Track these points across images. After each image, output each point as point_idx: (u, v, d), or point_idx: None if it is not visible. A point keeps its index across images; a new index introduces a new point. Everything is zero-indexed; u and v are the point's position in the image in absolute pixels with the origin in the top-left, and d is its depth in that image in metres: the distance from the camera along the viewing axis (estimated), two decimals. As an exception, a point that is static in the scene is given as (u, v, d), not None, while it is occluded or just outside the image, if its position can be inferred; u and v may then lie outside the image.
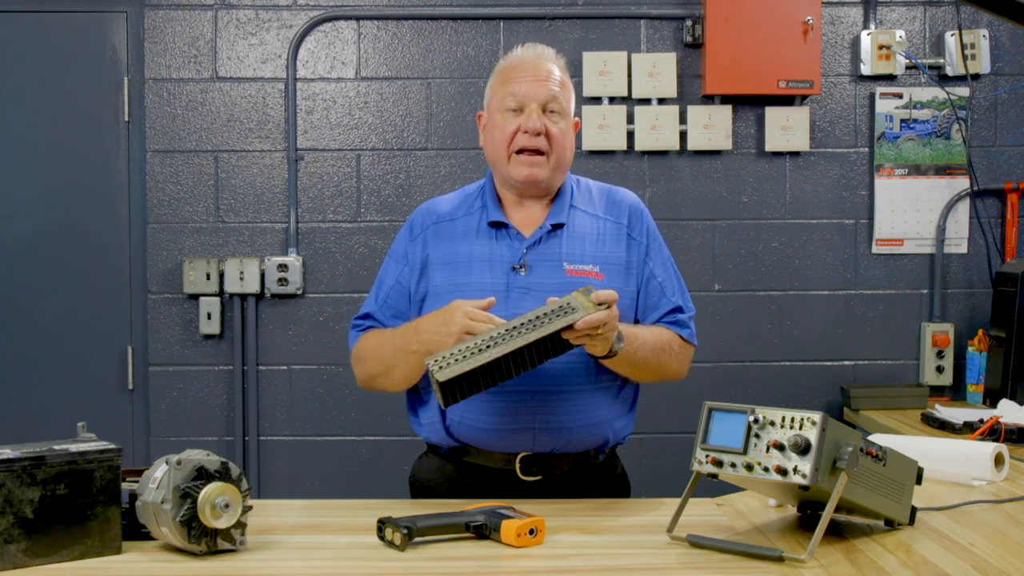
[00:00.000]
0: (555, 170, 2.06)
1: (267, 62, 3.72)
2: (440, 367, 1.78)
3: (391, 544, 1.63)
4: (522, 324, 1.81)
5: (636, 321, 2.09)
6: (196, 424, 3.71)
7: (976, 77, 3.74)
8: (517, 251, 2.04)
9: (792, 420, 1.57)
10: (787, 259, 3.76)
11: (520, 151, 2.03)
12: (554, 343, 1.83)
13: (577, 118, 2.15)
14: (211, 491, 1.58)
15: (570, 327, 1.80)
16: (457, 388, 1.80)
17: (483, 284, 2.02)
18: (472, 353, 1.79)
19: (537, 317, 1.82)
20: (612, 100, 3.69)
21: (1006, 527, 1.75)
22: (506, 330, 1.81)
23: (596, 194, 2.16)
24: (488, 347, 1.79)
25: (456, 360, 1.78)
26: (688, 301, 2.15)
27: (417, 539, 1.64)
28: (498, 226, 2.07)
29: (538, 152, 2.03)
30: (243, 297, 3.70)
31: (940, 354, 3.72)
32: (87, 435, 1.65)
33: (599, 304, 1.82)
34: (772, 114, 3.70)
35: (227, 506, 1.59)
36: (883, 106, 3.75)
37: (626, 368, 2.02)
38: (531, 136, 2.02)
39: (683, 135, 3.71)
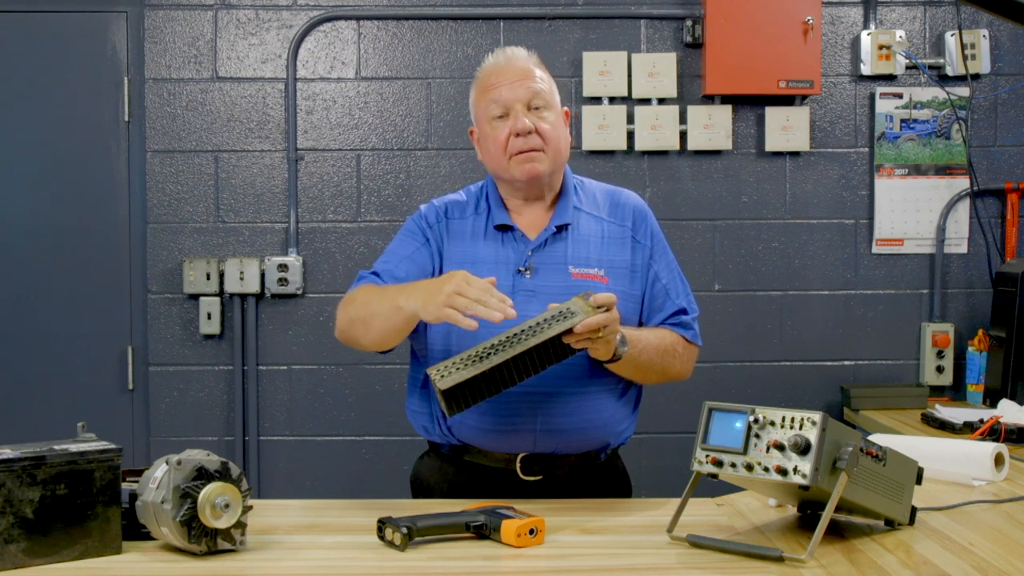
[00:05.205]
0: (554, 163, 2.06)
1: (267, 62, 3.72)
2: (442, 376, 1.79)
3: (391, 544, 1.63)
4: (522, 331, 1.82)
5: (640, 324, 2.10)
6: (196, 424, 3.71)
7: (976, 77, 3.74)
8: (522, 254, 2.04)
9: (792, 420, 1.57)
10: (787, 259, 3.76)
11: (517, 153, 2.03)
12: (556, 348, 1.84)
13: (566, 107, 2.15)
14: (211, 491, 1.58)
15: (570, 331, 1.81)
16: (460, 396, 1.81)
17: None
18: (473, 361, 1.80)
19: (537, 323, 1.83)
20: (612, 100, 3.69)
21: (1006, 527, 1.75)
22: (507, 337, 1.82)
23: (600, 196, 2.16)
24: (489, 355, 1.80)
25: (458, 368, 1.79)
26: (692, 303, 2.15)
27: (417, 539, 1.64)
28: (504, 229, 2.07)
29: (534, 149, 2.03)
30: (243, 297, 3.70)
31: (940, 354, 3.72)
32: (87, 435, 1.65)
33: (598, 307, 1.83)
34: (772, 114, 3.70)
35: (227, 506, 1.59)
36: (883, 106, 3.75)
37: (631, 371, 2.02)
38: (523, 137, 2.02)
39: (683, 135, 3.71)
